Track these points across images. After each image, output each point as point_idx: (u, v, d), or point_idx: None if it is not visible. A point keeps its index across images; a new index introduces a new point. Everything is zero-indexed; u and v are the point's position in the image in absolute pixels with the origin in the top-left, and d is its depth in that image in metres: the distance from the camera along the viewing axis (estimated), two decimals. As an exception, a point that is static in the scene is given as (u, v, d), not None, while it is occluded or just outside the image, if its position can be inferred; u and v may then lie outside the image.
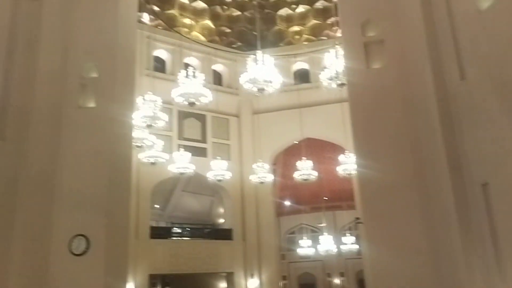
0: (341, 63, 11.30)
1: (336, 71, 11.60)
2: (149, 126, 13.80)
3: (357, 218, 22.82)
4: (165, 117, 14.09)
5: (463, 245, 6.05)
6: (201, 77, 12.83)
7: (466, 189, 6.26)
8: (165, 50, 24.53)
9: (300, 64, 26.42)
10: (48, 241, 7.89)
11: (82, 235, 7.88)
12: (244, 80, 11.51)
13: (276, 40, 27.06)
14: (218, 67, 25.95)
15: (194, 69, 12.96)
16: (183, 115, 24.03)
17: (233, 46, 26.63)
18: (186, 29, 26.23)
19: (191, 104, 12.55)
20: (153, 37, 23.87)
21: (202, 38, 26.40)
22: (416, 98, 7.67)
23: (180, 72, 13.12)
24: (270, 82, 11.63)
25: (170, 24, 25.44)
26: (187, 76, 12.72)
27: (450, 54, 6.60)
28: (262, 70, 11.47)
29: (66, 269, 7.81)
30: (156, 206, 28.31)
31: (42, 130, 8.29)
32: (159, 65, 24.33)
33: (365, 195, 8.13)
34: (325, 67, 12.23)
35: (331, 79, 11.73)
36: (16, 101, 8.05)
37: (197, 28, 26.74)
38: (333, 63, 11.69)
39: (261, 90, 11.60)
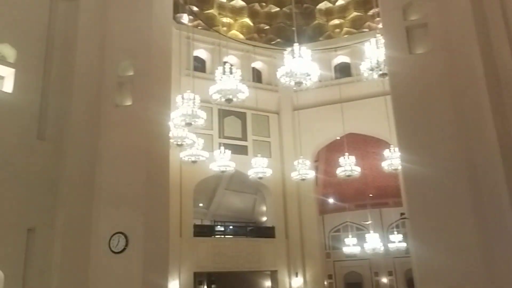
0: (382, 52, 10.81)
1: (377, 61, 11.11)
2: (188, 124, 13.80)
3: (402, 214, 22.03)
4: (203, 115, 14.04)
5: (520, 242, 5.56)
6: (238, 73, 12.67)
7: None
8: (205, 50, 24.64)
9: (340, 58, 25.81)
10: (88, 239, 7.98)
11: (121, 233, 7.91)
12: (281, 74, 11.23)
13: (316, 34, 26.57)
14: (258, 64, 25.78)
15: (231, 65, 12.77)
16: (224, 114, 24.03)
17: (272, 42, 26.39)
18: (225, 28, 26.23)
19: (228, 100, 12.43)
20: (193, 37, 23.99)
21: (241, 36, 26.33)
22: (463, 84, 7.16)
23: (217, 69, 13.00)
24: (308, 75, 11.28)
25: (209, 24, 25.54)
26: (224, 72, 12.60)
27: (501, 36, 6.10)
28: (299, 63, 11.15)
29: (106, 267, 7.86)
30: (200, 205, 28.61)
31: (81, 129, 8.40)
32: (199, 65, 24.45)
33: (410, 190, 7.68)
34: (365, 58, 11.75)
35: (372, 69, 11.26)
36: (55, 101, 8.19)
37: (236, 27, 26.70)
38: (374, 53, 11.20)
39: (298, 83, 11.28)
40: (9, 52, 7.95)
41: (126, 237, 7.87)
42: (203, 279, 28.57)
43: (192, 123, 13.87)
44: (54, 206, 7.81)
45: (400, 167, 17.98)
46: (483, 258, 6.47)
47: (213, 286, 28.95)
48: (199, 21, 25.36)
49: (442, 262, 6.93)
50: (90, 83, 8.68)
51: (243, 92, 12.43)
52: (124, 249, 7.82)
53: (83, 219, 8.03)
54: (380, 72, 11.15)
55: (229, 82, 12.29)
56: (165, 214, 8.58)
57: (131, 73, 8.87)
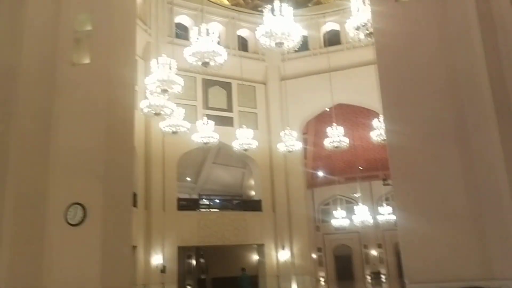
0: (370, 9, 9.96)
1: (366, 21, 10.24)
2: (164, 91, 12.96)
3: (385, 180, 21.67)
4: (181, 81, 13.17)
5: (514, 207, 4.91)
6: (215, 34, 11.77)
7: (518, 140, 5.07)
8: (188, 16, 23.52)
9: (330, 25, 24.84)
10: (43, 211, 7.26)
11: (78, 203, 7.19)
12: (260, 34, 10.39)
13: (304, 1, 25.49)
14: (243, 32, 24.74)
15: (207, 27, 11.86)
16: (208, 84, 23.17)
17: (258, 9, 25.25)
18: (209, -7, 25.07)
19: (205, 64, 11.56)
20: (175, 3, 22.94)
21: (226, 2, 25.20)
22: (455, 36, 6.39)
23: (192, 29, 12.10)
24: (289, 35, 10.44)
25: (193, -11, 24.32)
26: (199, 34, 11.70)
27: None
28: (280, 22, 10.30)
29: (62, 240, 7.18)
30: (188, 179, 27.98)
31: (33, 90, 7.58)
32: (183, 33, 23.37)
33: (394, 154, 6.96)
34: (351, 16, 10.89)
35: (358, 28, 10.43)
36: (2, 59, 7.32)
37: (221, -8, 25.54)
38: (361, 10, 10.34)
39: (279, 44, 10.45)
40: None
41: (84, 208, 7.15)
42: (192, 253, 28.26)
43: (169, 89, 13.01)
44: (3, 174, 7.04)
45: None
46: (473, 226, 5.86)
47: (201, 260, 28.67)
48: (182, -14, 24.14)
49: (428, 232, 6.32)
50: (43, 39, 7.81)
51: (221, 55, 11.56)
52: (81, 221, 7.11)
53: (37, 188, 7.30)
54: (367, 32, 10.31)
55: (206, 44, 11.40)
56: (127, 182, 7.87)
57: (89, 28, 7.98)
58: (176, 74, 13.58)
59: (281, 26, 10.28)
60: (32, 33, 7.68)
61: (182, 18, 23.50)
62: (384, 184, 22.63)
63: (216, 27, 23.22)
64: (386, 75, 7.16)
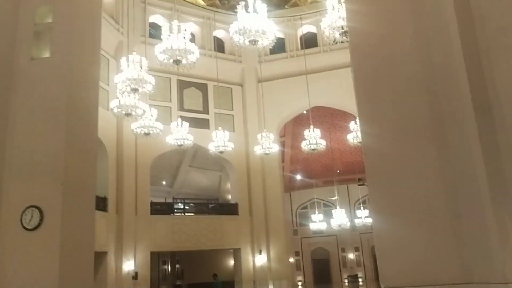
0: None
1: (340, 17, 10.03)
2: (134, 90, 12.49)
3: (360, 180, 21.50)
4: (151, 79, 12.72)
5: (493, 206, 4.66)
6: (187, 32, 11.38)
7: (497, 136, 4.83)
8: (162, 16, 23.05)
9: (306, 28, 24.71)
10: (-2, 214, 6.72)
11: (35, 206, 6.69)
12: (233, 31, 10.06)
13: (281, 2, 25.31)
14: (220, 33, 24.39)
15: (180, 24, 11.47)
16: (183, 85, 22.71)
17: (235, 10, 24.98)
18: (184, -7, 24.63)
19: (177, 62, 11.16)
20: (148, 2, 22.45)
21: (202, 2, 24.81)
22: (431, 26, 6.16)
23: (162, 26, 11.69)
24: (264, 33, 10.15)
25: (168, -12, 23.85)
26: (171, 31, 11.30)
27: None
28: (254, 19, 10.00)
29: (18, 246, 6.67)
30: (163, 183, 27.39)
31: (-12, 86, 7.04)
32: (157, 33, 22.82)
33: (369, 154, 6.68)
34: (327, 14, 10.66)
35: (333, 28, 10.20)
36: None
37: (196, -8, 25.13)
38: (336, 8, 10.12)
39: (253, 42, 10.14)
40: None
41: (40, 211, 6.66)
42: (167, 258, 27.65)
43: (139, 88, 12.54)
44: (-49, 175, 6.50)
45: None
46: (452, 228, 5.60)
47: (177, 265, 28.08)
48: (156, -16, 23.64)
49: (404, 234, 6.03)
50: (0, 31, 7.28)
51: (193, 53, 11.17)
52: (38, 225, 6.62)
53: (-10, 190, 6.77)
54: (342, 30, 10.10)
55: (177, 41, 11.01)
56: (89, 185, 7.39)
57: (50, 21, 7.50)
58: (150, 74, 13.18)
59: (255, 24, 9.98)
60: (-13, 24, 7.16)
61: (156, 18, 23.02)
62: (359, 184, 22.56)
63: (191, 28, 23.09)
64: (360, 74, 6.90)
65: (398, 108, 6.14)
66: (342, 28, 10.18)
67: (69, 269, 6.61)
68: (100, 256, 18.24)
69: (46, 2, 7.59)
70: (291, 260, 27.84)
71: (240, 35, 10.14)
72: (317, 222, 30.43)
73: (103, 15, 19.59)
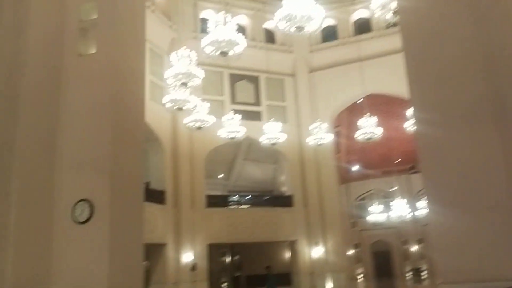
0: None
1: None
2: (184, 84, 12.59)
3: (412, 167, 20.46)
4: (201, 73, 12.75)
5: None
6: (233, 22, 11.26)
7: None
8: (213, 10, 23.08)
9: (359, 13, 23.86)
10: (50, 209, 6.96)
11: (85, 200, 6.84)
12: (277, 19, 9.79)
13: (333, -11, 24.59)
14: (270, 24, 24.07)
15: (224, 11, 11.37)
16: (235, 78, 22.74)
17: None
18: (234, -13, 24.59)
19: (224, 54, 11.08)
20: (198, -3, 22.61)
21: (252, -6, 24.64)
22: (490, 4, 5.59)
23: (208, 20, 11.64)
24: (311, 18, 9.79)
25: (218, -17, 23.91)
26: (217, 23, 11.22)
27: None
28: (300, 5, 9.67)
29: (70, 239, 6.86)
30: (220, 176, 27.72)
31: (38, 85, 7.29)
32: (207, 27, 22.99)
33: (424, 142, 6.23)
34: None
35: (384, 7, 9.66)
36: (7, 54, 7.06)
37: (246, -16, 24.99)
38: (385, -13, 9.58)
39: (299, 28, 9.82)
40: None
41: (91, 204, 6.80)
42: (226, 250, 28.00)
43: (189, 82, 12.62)
44: (8, 172, 6.77)
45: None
46: (516, 218, 5.07)
47: (235, 257, 28.38)
48: (206, -20, 23.77)
49: (464, 226, 5.57)
50: (48, 31, 7.51)
51: (240, 44, 11.03)
52: (89, 219, 6.76)
53: (43, 186, 7.01)
54: (394, 10, 9.54)
55: (223, 32, 10.91)
56: (137, 177, 7.46)
57: (94, 17, 7.62)
58: (203, 69, 13.25)
59: (301, 9, 9.65)
60: (37, 24, 7.39)
61: (207, 13, 23.12)
62: (410, 173, 21.63)
63: (242, 20, 23.05)
64: (413, 57, 6.45)
65: (455, 95, 5.65)
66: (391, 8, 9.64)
67: (119, 261, 6.71)
68: (159, 248, 18.76)
69: (91, -1, 7.71)
70: (350, 252, 27.24)
71: (286, 22, 9.84)
72: (376, 214, 29.50)
73: (156, 13, 20.07)
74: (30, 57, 7.26)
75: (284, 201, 22.94)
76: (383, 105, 26.57)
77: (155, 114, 18.31)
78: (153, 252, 18.72)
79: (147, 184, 18.81)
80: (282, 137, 18.47)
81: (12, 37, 7.20)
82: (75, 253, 6.74)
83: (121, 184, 7.06)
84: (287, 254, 24.74)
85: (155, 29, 19.56)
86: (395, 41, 19.35)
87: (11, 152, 6.88)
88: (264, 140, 18.44)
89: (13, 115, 7.00)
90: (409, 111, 18.28)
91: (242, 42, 11.12)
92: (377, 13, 9.85)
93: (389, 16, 9.68)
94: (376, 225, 31.74)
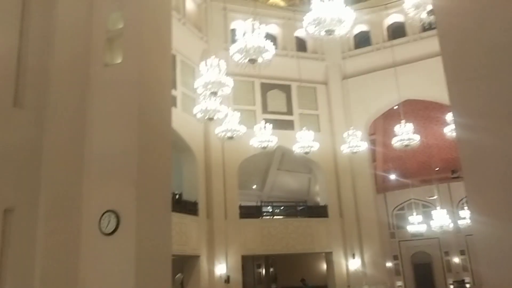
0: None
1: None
2: (213, 93, 12.47)
3: (453, 172, 19.51)
4: (230, 82, 12.62)
5: None
6: (262, 29, 11.08)
7: None
8: (243, 21, 23.08)
9: (393, 17, 23.29)
10: (77, 220, 6.89)
11: (112, 211, 6.73)
12: (307, 22, 9.53)
13: (365, -6, 24.16)
14: (301, 32, 23.85)
15: (253, 19, 11.21)
16: (266, 88, 22.59)
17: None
18: (264, -3, 24.57)
19: (252, 61, 10.89)
20: (229, 9, 22.67)
21: (282, 4, 24.55)
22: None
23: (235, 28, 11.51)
24: (340, 21, 9.48)
25: (247, -7, 23.94)
26: (246, 31, 11.07)
27: None
28: (329, 7, 9.38)
29: (97, 251, 6.76)
30: (253, 187, 27.52)
31: (65, 94, 7.29)
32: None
33: (466, 147, 5.78)
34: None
35: (418, 7, 9.24)
36: (34, 63, 7.12)
37: (276, -7, 24.93)
38: (419, -14, 9.16)
39: (329, 32, 9.52)
40: (-22, 9, 6.97)
41: (117, 215, 6.68)
42: (261, 262, 27.65)
43: (219, 91, 12.50)
44: (36, 182, 6.77)
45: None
46: None
47: (271, 269, 27.98)
48: (236, -9, 23.85)
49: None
50: (75, 41, 7.54)
51: (268, 50, 10.83)
52: (115, 230, 6.64)
53: (71, 196, 6.96)
54: (429, 9, 9.10)
55: (251, 39, 10.74)
56: (164, 187, 7.31)
57: (120, 26, 7.60)
58: (234, 79, 13.14)
59: (330, 12, 9.35)
60: (64, 34, 7.43)
61: (237, 24, 23.14)
62: (453, 177, 20.66)
63: (272, 30, 22.93)
64: (452, 58, 6.01)
65: (495, 91, 5.18)
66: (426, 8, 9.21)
67: (146, 273, 6.54)
68: (192, 260, 18.64)
69: (116, 8, 7.70)
70: (389, 264, 26.34)
71: (315, 26, 9.56)
72: (415, 224, 28.46)
73: (187, 26, 20.24)
74: (57, 68, 7.28)
75: (319, 211, 22.45)
76: (421, 111, 25.78)
77: (187, 125, 18.36)
78: (187, 264, 18.62)
79: (180, 195, 18.82)
80: (315, 146, 18.10)
81: (40, 49, 7.25)
82: (102, 264, 6.62)
83: (148, 194, 6.92)
84: (323, 266, 24.14)
85: (186, 41, 19.71)
86: (431, 44, 18.82)
87: (39, 163, 6.88)
88: (297, 149, 18.11)
89: (41, 126, 7.02)
90: (449, 116, 17.56)
91: (271, 49, 10.91)
92: (411, 13, 9.43)
93: (423, 15, 9.24)
94: (416, 236, 30.63)
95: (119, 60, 7.52)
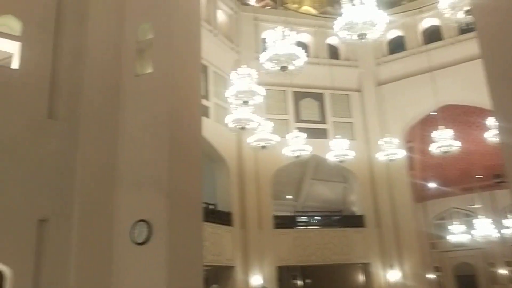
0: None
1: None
2: (245, 102, 12.42)
3: (497, 176, 18.54)
4: (262, 91, 12.54)
5: None
6: (292, 35, 10.96)
7: None
8: (274, 30, 23.08)
9: (428, 21, 22.69)
10: (109, 229, 6.92)
11: (144, 220, 6.72)
12: (338, 27, 9.34)
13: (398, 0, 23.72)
14: (333, 40, 23.60)
15: (284, 27, 11.12)
16: (299, 96, 22.41)
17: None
18: (295, 5, 24.55)
19: (284, 68, 10.76)
20: (260, 18, 22.72)
21: (313, 11, 24.42)
22: None
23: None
24: (373, 25, 9.24)
25: (278, 2, 23.96)
26: (275, 39, 10.98)
27: None
28: (360, 12, 9.17)
29: (129, 260, 6.76)
30: (288, 197, 27.27)
31: (97, 105, 7.40)
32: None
33: (509, 150, 5.48)
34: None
35: (454, 7, 8.89)
36: (67, 75, 7.29)
37: (307, 2, 24.84)
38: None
39: (361, 36, 9.30)
40: (14, 24, 7.17)
41: (149, 225, 6.65)
42: (297, 273, 27.23)
43: (250, 101, 12.44)
44: (70, 193, 6.85)
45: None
46: None
47: (307, 280, 27.50)
48: (267, 1, 23.94)
49: None
50: (106, 53, 7.66)
51: (299, 57, 10.69)
52: (147, 239, 6.61)
53: (103, 206, 7.01)
54: (465, 9, 8.74)
55: (282, 46, 10.64)
56: (195, 196, 7.24)
57: (150, 37, 7.66)
58: (265, 88, 13.08)
59: (362, 16, 9.14)
60: (95, 47, 7.57)
61: (269, 33, 23.13)
62: (497, 182, 19.72)
63: (304, 38, 22.78)
64: (493, 60, 5.75)
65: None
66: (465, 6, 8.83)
67: (178, 283, 6.47)
68: (227, 270, 18.54)
69: (146, 19, 7.77)
70: (430, 276, 25.39)
71: (346, 30, 9.36)
72: (457, 234, 27.39)
73: (218, 37, 20.40)
74: (89, 80, 7.40)
75: (355, 221, 21.92)
76: (460, 116, 24.90)
77: (220, 136, 18.39)
78: (222, 274, 18.53)
79: (214, 206, 18.81)
80: (350, 154, 17.73)
81: (72, 62, 7.41)
82: (134, 274, 6.60)
83: (179, 204, 6.88)
84: (360, 277, 23.52)
85: (218, 52, 19.85)
86: (469, 47, 18.24)
87: (72, 174, 6.96)
88: (331, 157, 17.79)
89: (74, 137, 7.12)
90: (491, 121, 16.86)
91: (302, 56, 10.76)
92: (447, 14, 9.08)
93: (460, 16, 8.89)
94: (458, 246, 29.50)
95: (149, 70, 7.56)
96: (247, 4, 23.02)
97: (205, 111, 17.57)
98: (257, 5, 23.75)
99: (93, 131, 7.26)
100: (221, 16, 21.29)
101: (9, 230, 6.34)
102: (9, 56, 7.32)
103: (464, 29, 19.34)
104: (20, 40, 7.12)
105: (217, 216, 18.23)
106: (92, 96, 7.35)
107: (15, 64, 7.09)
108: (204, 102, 17.23)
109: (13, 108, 6.78)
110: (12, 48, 7.24)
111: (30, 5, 7.27)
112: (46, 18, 7.30)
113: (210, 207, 17.91)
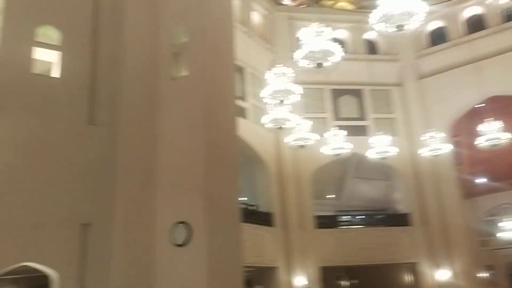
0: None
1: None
2: (281, 101, 12.32)
3: None
4: (299, 89, 12.40)
5: None
6: (328, 31, 10.77)
7: None
8: (308, 28, 22.83)
9: (471, 10, 21.77)
10: (150, 232, 7.00)
11: (183, 222, 6.74)
12: (375, 19, 9.08)
13: (439, -10, 22.87)
14: (371, 35, 23.08)
15: (320, 24, 10.94)
16: (337, 94, 22.01)
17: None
18: (330, 2, 24.17)
19: (319, 65, 10.61)
20: (295, 18, 22.53)
21: (349, 7, 23.97)
22: None
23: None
24: (411, 16, 8.92)
25: (313, 0, 23.71)
26: (310, 35, 10.83)
27: None
28: (398, 2, 8.87)
29: (169, 262, 6.81)
30: (329, 196, 26.90)
31: (135, 110, 7.53)
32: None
33: None
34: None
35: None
36: (105, 82, 7.45)
37: (343, -2, 24.42)
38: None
39: (400, 27, 8.99)
40: (54, 34, 7.39)
41: (189, 227, 6.67)
42: (341, 273, 26.80)
43: (286, 100, 12.33)
44: (111, 197, 6.99)
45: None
46: None
47: (352, 281, 27.02)
48: (302, 0, 23.72)
49: None
50: (142, 58, 7.77)
51: (334, 53, 10.48)
52: (187, 241, 6.63)
53: (143, 209, 7.10)
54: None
55: (317, 43, 10.47)
56: (232, 197, 7.20)
57: (185, 40, 7.69)
58: (302, 87, 12.98)
59: (399, 6, 8.83)
60: (132, 52, 7.71)
61: (304, 32, 22.88)
62: None
63: (341, 34, 22.41)
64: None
65: None
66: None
67: (218, 284, 6.44)
68: (270, 271, 18.45)
69: (181, 23, 7.83)
70: (482, 275, 24.33)
71: (384, 23, 9.09)
72: (509, 231, 26.14)
73: (254, 38, 20.39)
74: (127, 84, 7.53)
75: (400, 219, 21.28)
76: (509, 108, 23.73)
77: (259, 136, 18.34)
78: (265, 275, 18.45)
79: (255, 207, 18.78)
80: (392, 151, 17.26)
81: (110, 68, 7.56)
82: (175, 275, 6.64)
83: (216, 205, 6.87)
84: (407, 277, 22.82)
85: (254, 54, 19.83)
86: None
87: (113, 178, 7.09)
88: (372, 155, 17.38)
89: (114, 141, 7.26)
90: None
91: (337, 52, 10.55)
92: (490, 1, 8.65)
93: (504, 1, 8.43)
94: (511, 243, 28.13)
95: (185, 73, 7.60)
96: (282, 4, 22.85)
97: (242, 112, 17.57)
98: (292, 4, 23.54)
99: (132, 135, 7.37)
100: (255, 17, 21.27)
101: (54, 235, 6.52)
102: (49, 66, 7.54)
103: (509, 16, 18.48)
104: (60, 50, 7.34)
105: (258, 216, 18.18)
106: (130, 101, 7.47)
107: (55, 72, 7.30)
108: (241, 103, 17.26)
109: (55, 115, 6.99)
110: (51, 57, 7.45)
111: (68, 15, 7.47)
112: (83, 26, 7.49)
113: (251, 208, 17.90)
